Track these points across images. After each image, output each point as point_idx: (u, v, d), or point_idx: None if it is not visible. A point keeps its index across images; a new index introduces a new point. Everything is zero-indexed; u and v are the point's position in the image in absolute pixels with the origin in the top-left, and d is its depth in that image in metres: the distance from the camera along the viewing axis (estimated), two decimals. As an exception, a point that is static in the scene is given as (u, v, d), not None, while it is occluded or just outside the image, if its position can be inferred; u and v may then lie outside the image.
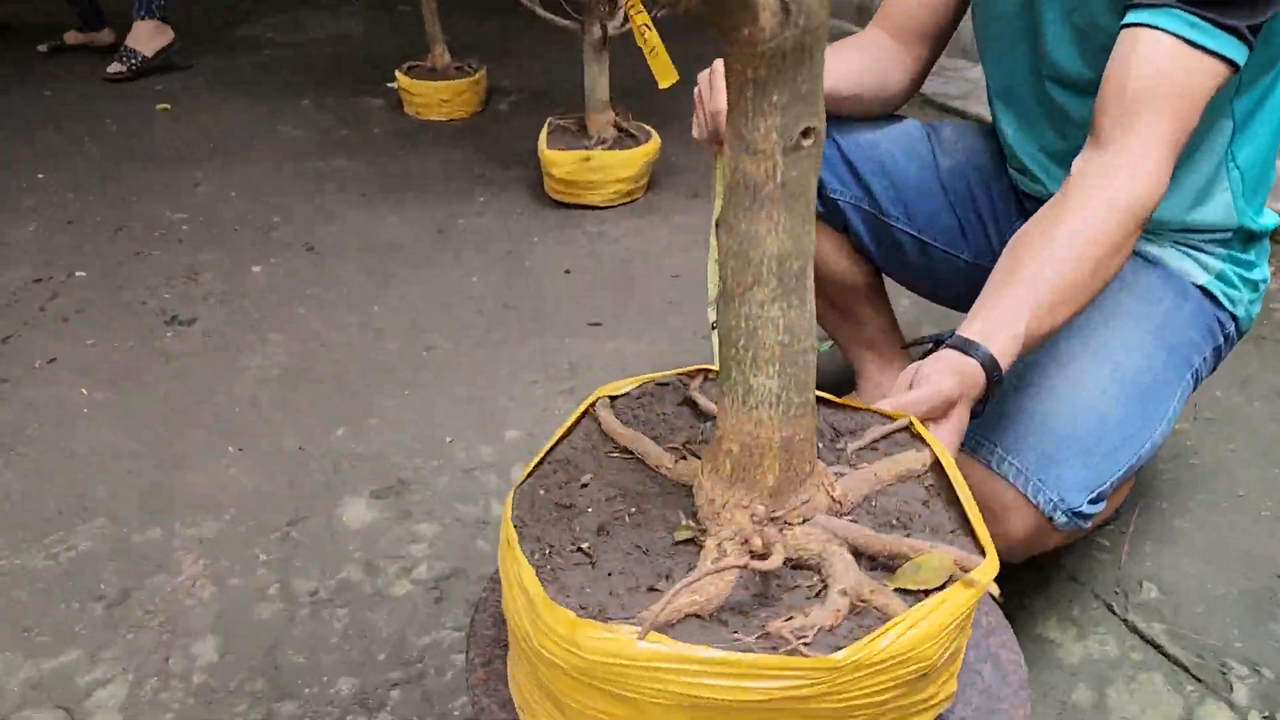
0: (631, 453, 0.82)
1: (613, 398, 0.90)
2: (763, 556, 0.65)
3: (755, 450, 0.70)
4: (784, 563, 0.67)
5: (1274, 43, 1.08)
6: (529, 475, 0.79)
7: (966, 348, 0.96)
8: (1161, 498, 1.51)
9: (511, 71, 3.71)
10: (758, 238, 0.65)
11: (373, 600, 1.37)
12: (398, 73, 3.28)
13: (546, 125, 2.64)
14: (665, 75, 1.86)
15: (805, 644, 0.60)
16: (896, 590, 0.67)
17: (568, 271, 2.28)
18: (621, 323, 2.06)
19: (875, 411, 0.89)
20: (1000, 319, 0.98)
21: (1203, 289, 1.25)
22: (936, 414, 0.91)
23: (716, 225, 0.90)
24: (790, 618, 0.63)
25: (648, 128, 2.65)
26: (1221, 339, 1.26)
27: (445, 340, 2.00)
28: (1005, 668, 0.80)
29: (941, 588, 0.65)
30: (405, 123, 3.26)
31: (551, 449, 0.82)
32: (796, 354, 0.70)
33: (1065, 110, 1.23)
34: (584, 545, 0.71)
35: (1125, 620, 1.31)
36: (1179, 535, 1.44)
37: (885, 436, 0.83)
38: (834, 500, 0.73)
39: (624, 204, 2.61)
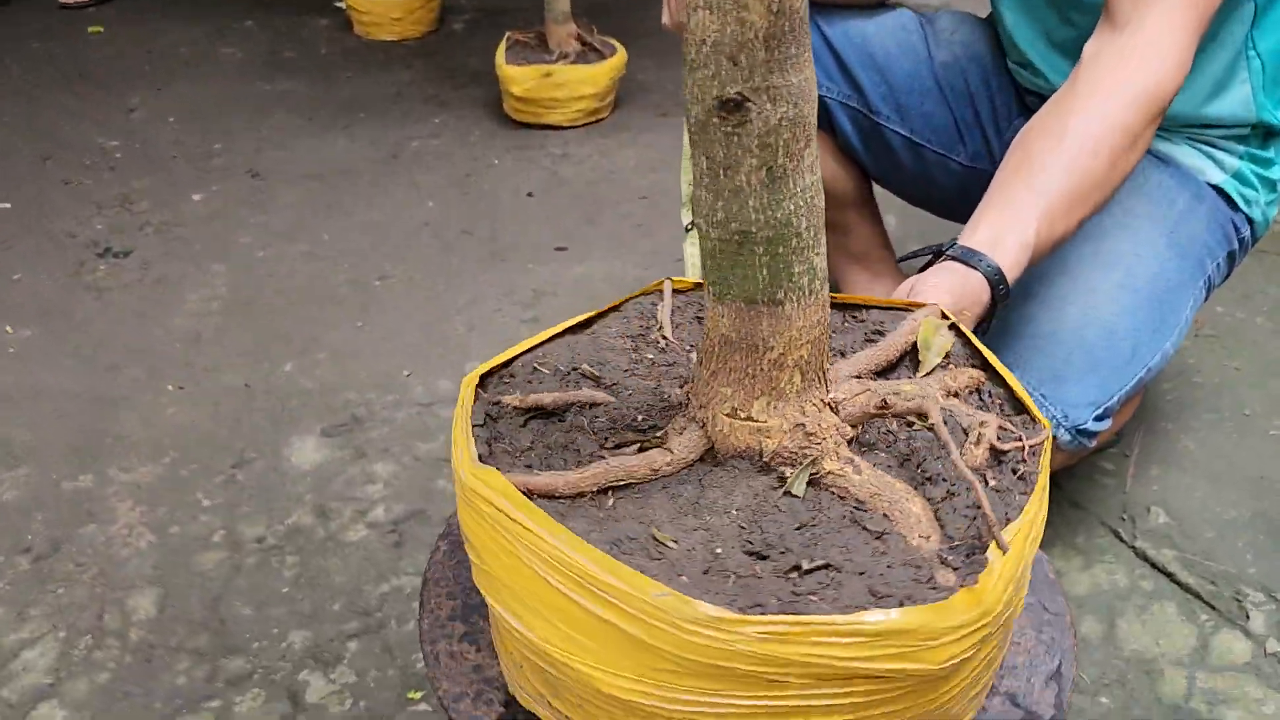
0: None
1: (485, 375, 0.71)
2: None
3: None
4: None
5: None
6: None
7: (970, 258, 0.85)
8: (1165, 418, 1.43)
9: (466, -12, 3.51)
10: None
11: (325, 546, 1.26)
12: (345, -11, 3.08)
13: (504, 40, 2.47)
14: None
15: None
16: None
17: (530, 195, 2.14)
18: (588, 247, 1.94)
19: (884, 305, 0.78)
20: (1007, 225, 0.88)
21: (1218, 189, 1.15)
22: None
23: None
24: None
25: (613, 42, 2.50)
26: (1236, 244, 1.17)
27: (400, 268, 1.87)
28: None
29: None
30: (354, 43, 3.07)
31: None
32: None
33: (1073, -7, 1.11)
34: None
35: (1134, 548, 1.23)
36: (1185, 457, 1.36)
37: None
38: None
39: (589, 123, 2.46)
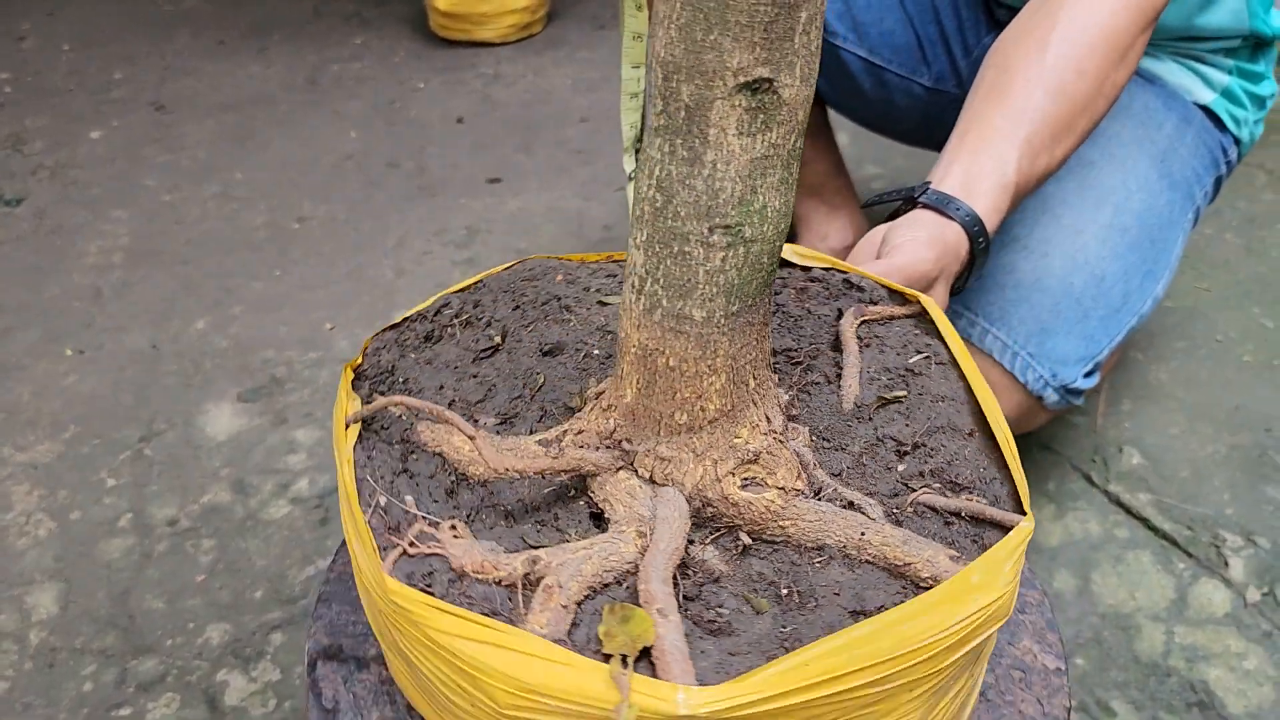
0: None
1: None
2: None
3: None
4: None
5: None
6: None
7: (945, 206, 0.76)
8: (1136, 347, 1.36)
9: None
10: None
11: (245, 526, 1.16)
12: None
13: (426, -51, 2.29)
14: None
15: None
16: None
17: (460, 120, 2.00)
18: (524, 178, 1.80)
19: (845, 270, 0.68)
20: (984, 163, 0.78)
21: (1206, 109, 1.05)
22: (915, 290, 0.71)
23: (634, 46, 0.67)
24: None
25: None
26: (1224, 167, 1.08)
27: (321, 208, 1.73)
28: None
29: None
30: (266, -45, 2.85)
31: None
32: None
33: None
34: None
35: (1107, 492, 1.17)
36: (1158, 390, 1.30)
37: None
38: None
39: (521, 39, 2.30)
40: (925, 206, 0.75)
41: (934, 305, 0.64)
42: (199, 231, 1.68)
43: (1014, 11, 1.00)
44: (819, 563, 0.48)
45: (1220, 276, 1.49)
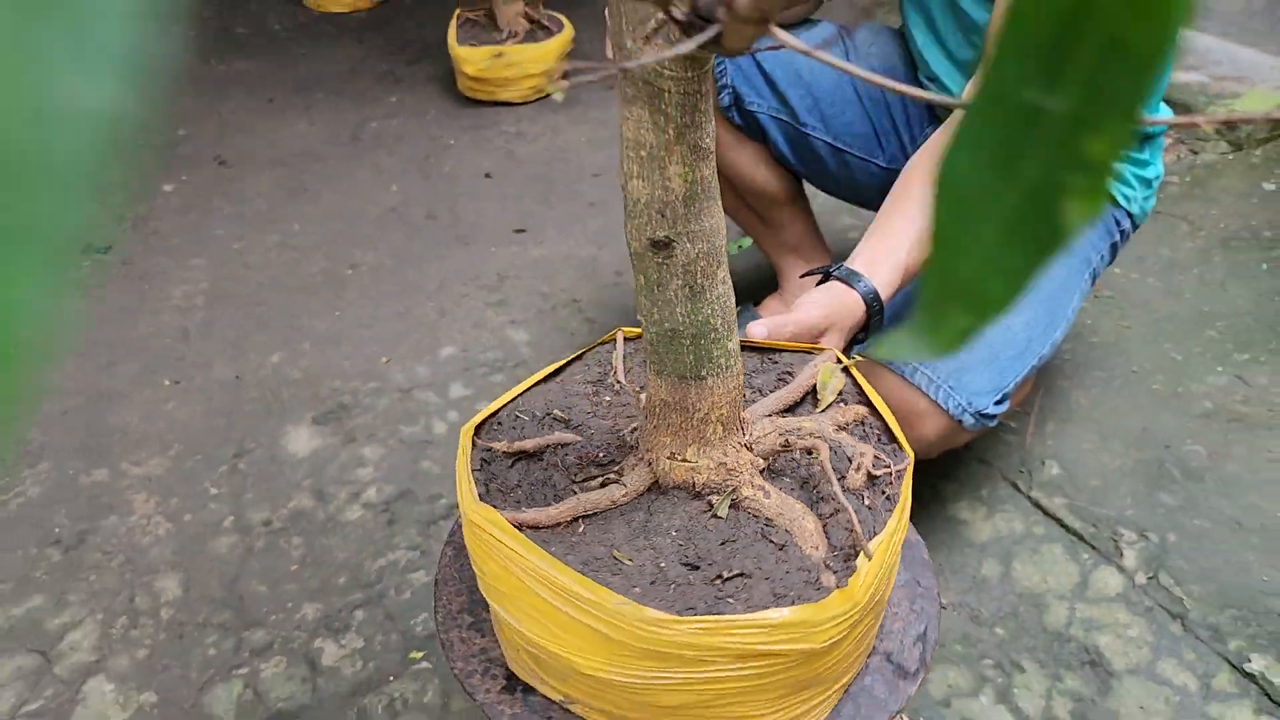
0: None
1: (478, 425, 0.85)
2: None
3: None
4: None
5: None
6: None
7: (850, 279, 1.02)
8: (1063, 376, 1.63)
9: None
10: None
11: (326, 526, 1.42)
12: (292, -39, 3.13)
13: (455, 18, 2.57)
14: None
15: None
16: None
17: (488, 175, 2.27)
18: (545, 228, 2.08)
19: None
20: (884, 252, 1.04)
21: (1100, 189, 1.32)
22: (804, 340, 0.97)
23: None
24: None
25: (560, 17, 2.60)
26: (1118, 235, 1.34)
27: (370, 255, 2.00)
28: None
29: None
30: (305, 15, 3.14)
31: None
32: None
33: (970, 17, 1.26)
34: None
35: (1029, 497, 1.43)
36: (1078, 413, 1.56)
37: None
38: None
39: (540, 99, 2.58)
40: (837, 279, 1.02)
41: (831, 349, 0.90)
42: (266, 276, 1.95)
43: (950, 110, 1.27)
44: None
45: (1140, 315, 1.76)
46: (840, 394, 0.78)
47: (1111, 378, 1.63)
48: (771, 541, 0.65)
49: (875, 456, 0.69)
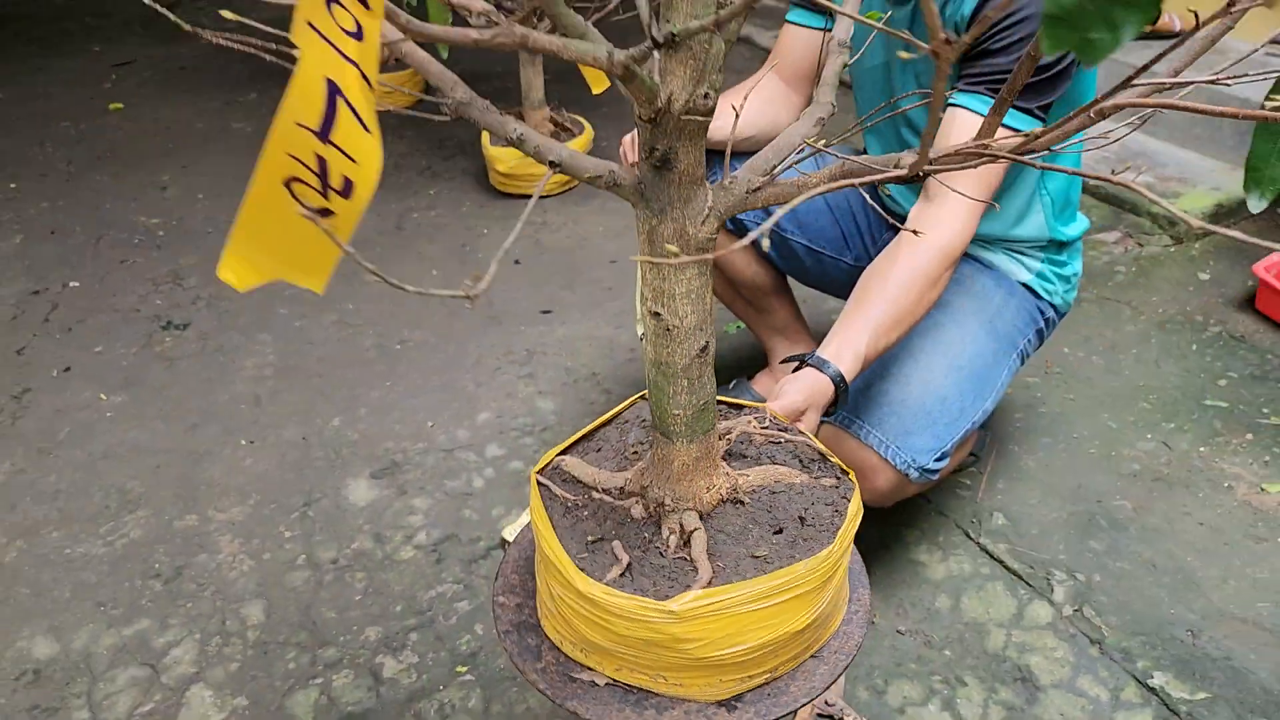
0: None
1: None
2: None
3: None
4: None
5: (1069, 101, 1.41)
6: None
7: (821, 366, 1.29)
8: (1014, 442, 1.89)
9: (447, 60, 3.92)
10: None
11: (384, 564, 1.69)
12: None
13: (488, 122, 2.90)
14: (598, 82, 2.15)
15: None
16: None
17: (517, 262, 2.57)
18: (569, 309, 2.37)
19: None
20: (847, 343, 1.31)
21: (1026, 285, 1.60)
22: (790, 418, 1.24)
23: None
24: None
25: (580, 119, 2.93)
26: (1043, 323, 1.62)
27: (415, 333, 2.30)
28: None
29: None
30: (351, 114, 3.48)
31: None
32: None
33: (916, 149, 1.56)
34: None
35: (978, 543, 1.68)
36: (1025, 473, 1.82)
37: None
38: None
39: (563, 193, 2.89)
40: (810, 365, 1.29)
41: (808, 429, 1.17)
42: (325, 351, 2.24)
43: (901, 218, 1.55)
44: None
45: (1083, 389, 2.03)
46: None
47: (1056, 443, 1.89)
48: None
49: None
